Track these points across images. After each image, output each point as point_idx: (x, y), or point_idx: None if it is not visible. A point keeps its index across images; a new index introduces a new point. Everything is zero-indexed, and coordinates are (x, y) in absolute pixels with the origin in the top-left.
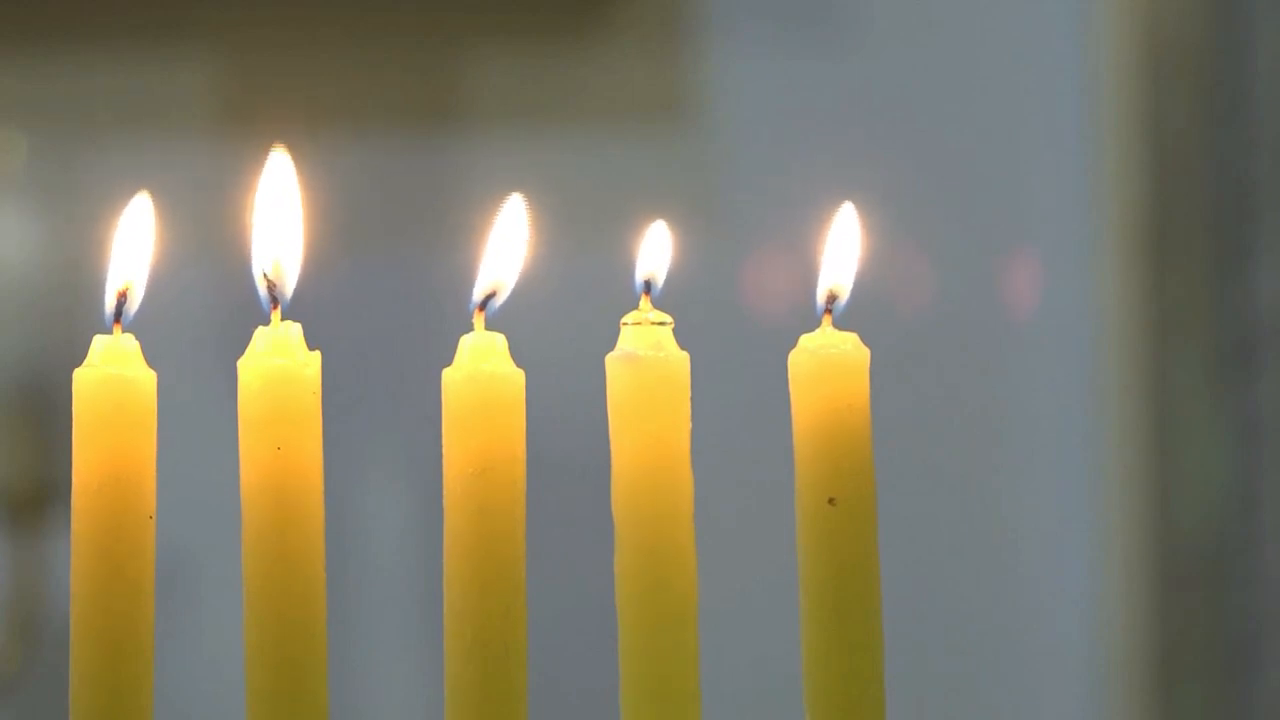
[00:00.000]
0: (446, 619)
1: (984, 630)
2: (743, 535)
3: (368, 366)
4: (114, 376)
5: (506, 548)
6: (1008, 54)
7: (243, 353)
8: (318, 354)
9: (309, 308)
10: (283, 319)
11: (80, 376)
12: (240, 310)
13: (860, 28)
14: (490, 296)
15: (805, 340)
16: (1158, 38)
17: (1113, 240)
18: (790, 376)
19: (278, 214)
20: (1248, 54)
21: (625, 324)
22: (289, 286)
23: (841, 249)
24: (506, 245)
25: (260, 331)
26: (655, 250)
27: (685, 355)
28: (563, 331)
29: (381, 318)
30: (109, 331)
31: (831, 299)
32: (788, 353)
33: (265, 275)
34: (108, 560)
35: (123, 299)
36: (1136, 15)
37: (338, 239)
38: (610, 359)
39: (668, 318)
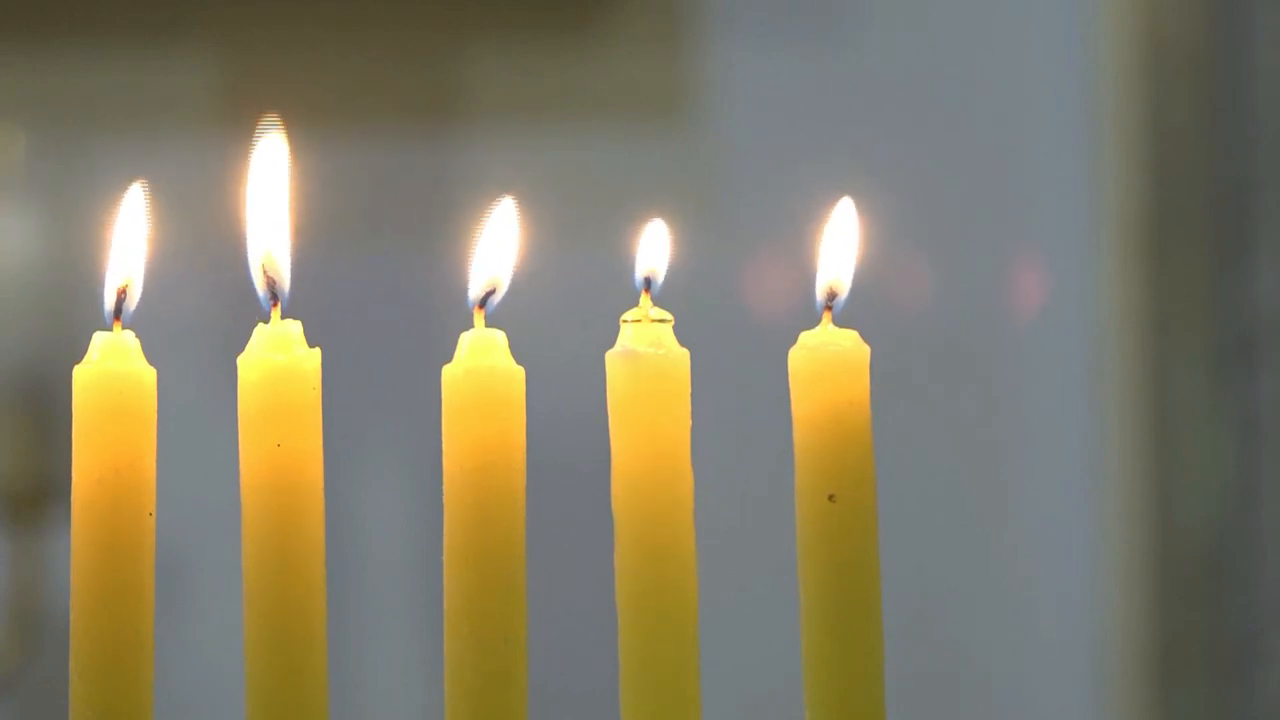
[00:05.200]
0: (447, 616)
1: (984, 629)
2: (743, 532)
3: (368, 363)
4: (114, 373)
5: (506, 544)
6: (1008, 53)
7: (243, 349)
8: (318, 350)
9: (309, 304)
10: (283, 316)
11: (80, 373)
12: (240, 307)
13: (860, 26)
14: (490, 293)
15: (805, 337)
16: (1158, 37)
17: (1113, 238)
18: (790, 373)
19: (277, 211)
20: (1248, 54)
21: (625, 321)
22: (289, 283)
23: (839, 245)
24: (503, 242)
25: (260, 328)
26: (654, 248)
27: (685, 352)
28: (563, 328)
29: (381, 314)
30: (109, 328)
31: (831, 296)
32: (788, 350)
33: (265, 272)
34: (108, 557)
35: (122, 296)
36: (1136, 15)
37: (338, 236)
38: (610, 356)
39: (668, 315)
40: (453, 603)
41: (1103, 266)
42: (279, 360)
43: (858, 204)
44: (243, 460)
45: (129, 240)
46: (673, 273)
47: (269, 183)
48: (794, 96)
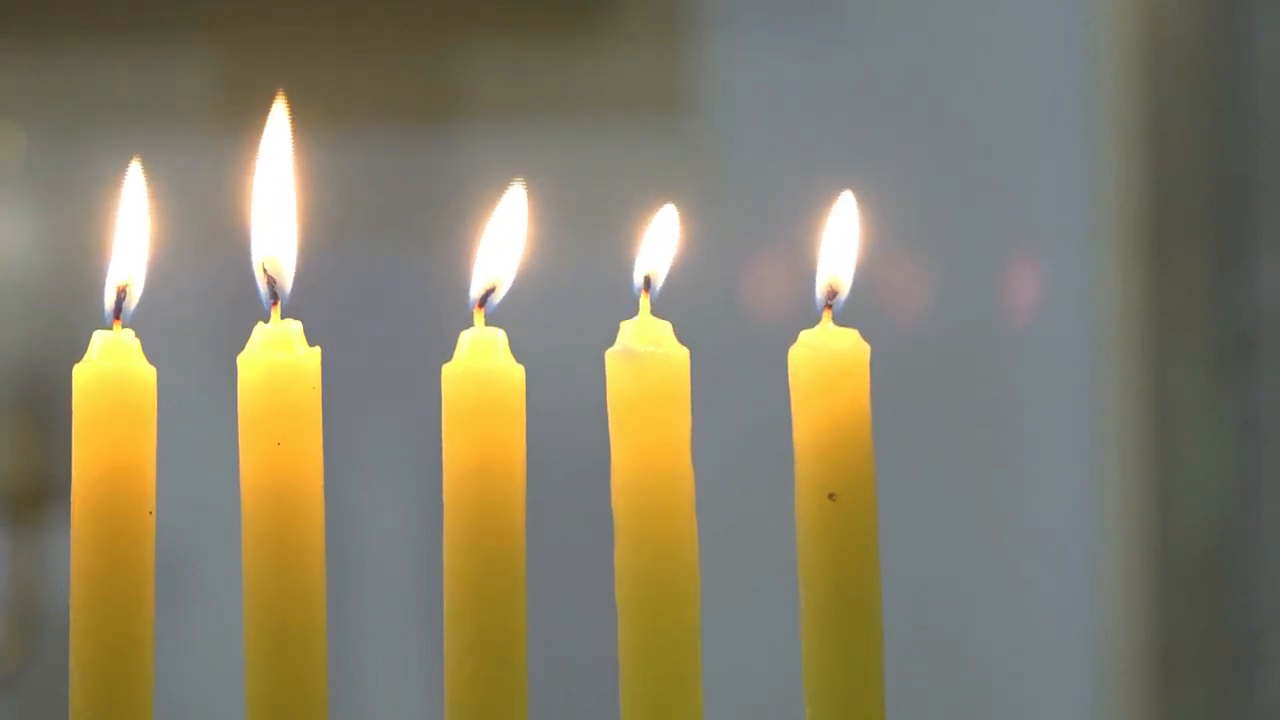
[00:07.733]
0: (446, 616)
1: (984, 629)
2: (743, 531)
3: (368, 362)
4: (114, 372)
5: (507, 544)
6: (1009, 52)
7: (243, 348)
8: (318, 350)
9: (309, 303)
10: (283, 315)
11: (80, 372)
12: (240, 306)
13: (860, 24)
14: (490, 292)
15: (805, 336)
16: (1158, 37)
17: (1113, 239)
18: (790, 372)
19: (277, 209)
20: (1248, 53)
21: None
22: (289, 282)
23: (840, 243)
24: (505, 239)
25: (260, 327)
26: (655, 247)
27: (685, 351)
28: (563, 327)
29: (381, 313)
30: (108, 327)
31: (832, 295)
32: (788, 349)
33: (265, 271)
34: (108, 556)
35: (122, 294)
36: (1137, 15)
37: (338, 235)
38: (610, 355)
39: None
40: (453, 603)
41: (1103, 266)
42: (279, 359)
43: (857, 203)
44: (242, 459)
45: (129, 238)
46: (672, 271)
47: (270, 182)
48: (794, 95)
